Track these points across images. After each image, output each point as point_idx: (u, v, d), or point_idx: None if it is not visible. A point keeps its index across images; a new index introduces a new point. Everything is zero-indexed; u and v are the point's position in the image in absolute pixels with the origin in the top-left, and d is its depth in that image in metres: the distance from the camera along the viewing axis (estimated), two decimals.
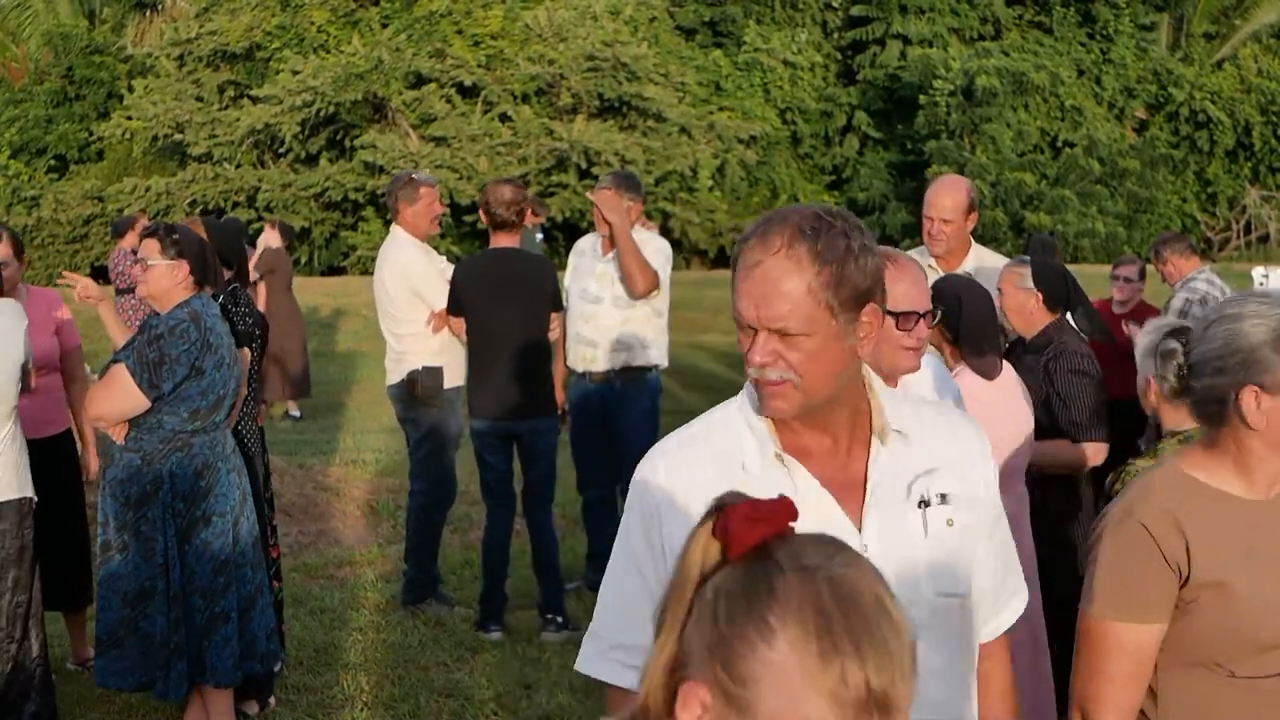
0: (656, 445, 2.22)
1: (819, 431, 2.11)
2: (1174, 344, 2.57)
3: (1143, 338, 3.98)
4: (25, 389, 5.16)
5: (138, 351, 4.93)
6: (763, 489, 2.00)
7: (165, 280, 5.04)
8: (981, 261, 5.89)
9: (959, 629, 2.17)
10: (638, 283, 6.98)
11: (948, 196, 5.82)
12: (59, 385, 6.02)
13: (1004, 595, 2.30)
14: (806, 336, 2.00)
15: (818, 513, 2.06)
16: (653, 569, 2.14)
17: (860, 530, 2.08)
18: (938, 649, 2.09)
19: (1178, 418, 3.91)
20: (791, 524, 1.36)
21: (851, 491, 2.11)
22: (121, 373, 4.93)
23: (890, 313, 3.12)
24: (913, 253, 6.28)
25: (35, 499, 5.14)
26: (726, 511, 1.36)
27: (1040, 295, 5.18)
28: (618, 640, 2.20)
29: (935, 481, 2.13)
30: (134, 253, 5.25)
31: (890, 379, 3.22)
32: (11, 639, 5.08)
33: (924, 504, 2.12)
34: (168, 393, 4.93)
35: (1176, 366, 2.58)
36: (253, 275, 12.41)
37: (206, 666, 5.07)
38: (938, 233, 5.79)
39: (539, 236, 12.62)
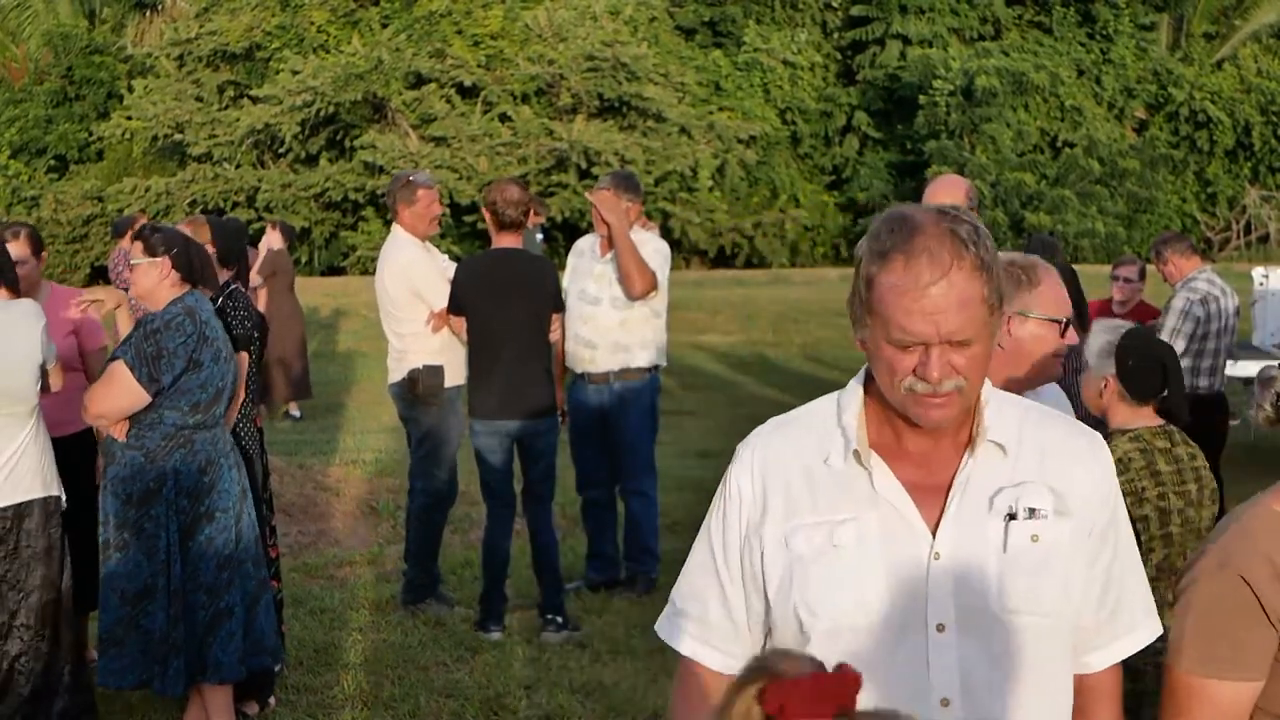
0: (760, 426, 2.23)
1: (925, 434, 2.08)
2: (1275, 372, 2.49)
3: (1095, 338, 4.03)
4: (45, 389, 5.18)
5: (135, 347, 4.95)
6: (841, 487, 2.10)
7: (148, 278, 5.08)
8: None
9: (1033, 650, 2.08)
10: (635, 284, 6.99)
11: (946, 195, 5.81)
12: (77, 384, 5.98)
13: (1116, 626, 2.20)
14: (977, 342, 2.01)
15: (895, 515, 2.06)
16: (721, 548, 2.17)
17: (934, 536, 2.06)
18: (996, 664, 2.05)
19: (1126, 416, 3.93)
20: (856, 698, 1.22)
21: (934, 496, 2.08)
22: (121, 369, 4.94)
23: (1052, 320, 3.10)
24: None
25: (63, 498, 5.14)
26: (785, 685, 1.20)
27: None
28: (682, 607, 2.25)
29: (1026, 495, 2.08)
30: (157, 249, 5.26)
31: (1027, 387, 3.11)
32: (41, 637, 5.09)
33: (1011, 517, 2.07)
34: (167, 386, 4.95)
35: (1275, 395, 2.46)
36: (255, 280, 12.42)
37: (209, 663, 5.08)
38: None
39: (539, 237, 12.61)
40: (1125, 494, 3.67)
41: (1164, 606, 3.66)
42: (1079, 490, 2.11)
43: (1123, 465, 3.79)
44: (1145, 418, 3.92)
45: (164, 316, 4.99)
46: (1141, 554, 3.80)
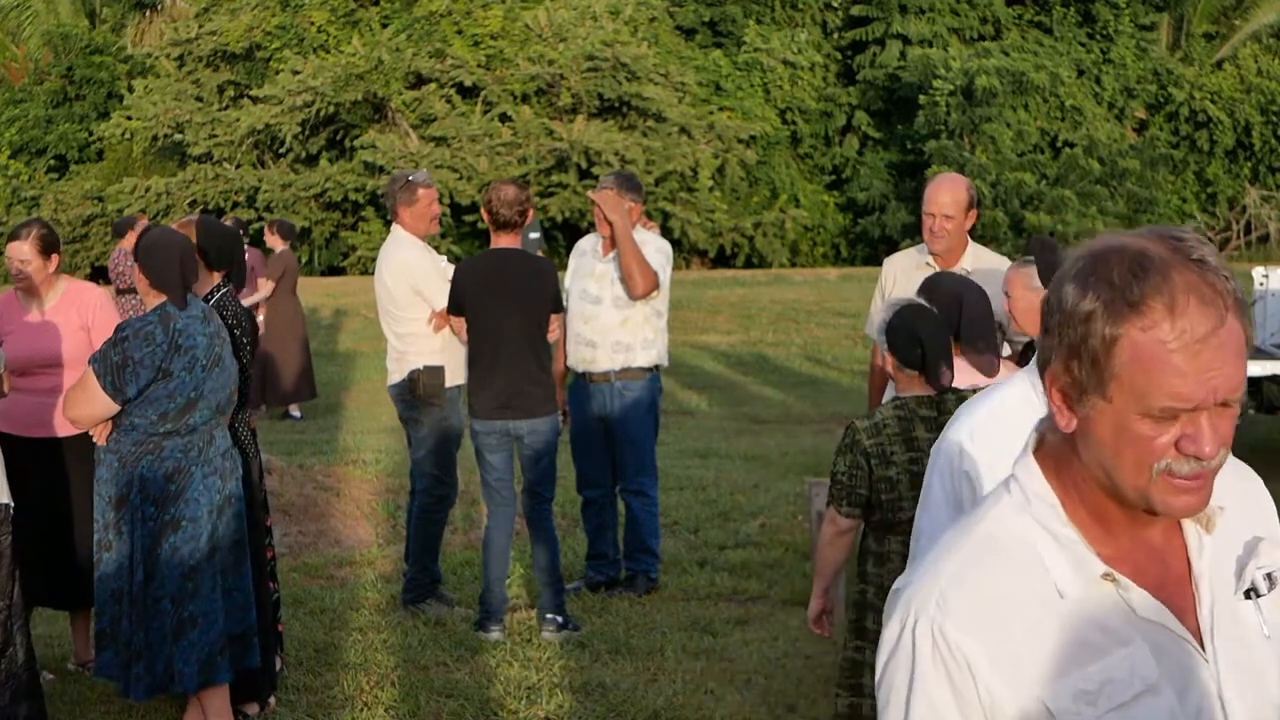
0: (924, 566, 1.74)
1: (1145, 525, 1.70)
2: None
3: (877, 315, 4.38)
4: (0, 394, 5.18)
5: (104, 354, 4.95)
6: (1093, 622, 1.65)
7: (136, 279, 5.15)
8: (979, 261, 5.88)
9: None
10: (638, 283, 6.99)
11: (948, 193, 5.81)
12: None
13: None
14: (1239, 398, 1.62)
15: (1164, 635, 1.68)
16: None
17: (1204, 649, 1.69)
18: None
19: (904, 384, 4.24)
20: None
21: (1181, 598, 1.70)
22: (90, 376, 4.95)
23: None
24: (910, 250, 6.27)
25: (11, 505, 5.06)
26: None
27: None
28: None
29: (1260, 558, 1.73)
30: (133, 254, 5.27)
31: None
32: None
33: (1252, 593, 1.72)
34: (133, 396, 4.93)
35: None
36: (267, 286, 12.43)
37: (175, 672, 5.04)
38: (939, 229, 5.78)
39: (534, 235, 12.55)
40: (873, 455, 4.10)
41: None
42: (1275, 528, 1.80)
43: (876, 429, 4.16)
44: (918, 386, 4.22)
45: (136, 324, 4.98)
46: (889, 511, 4.06)
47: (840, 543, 4.29)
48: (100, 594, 5.12)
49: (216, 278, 5.59)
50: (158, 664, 5.03)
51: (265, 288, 12.59)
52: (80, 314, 5.98)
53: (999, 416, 2.74)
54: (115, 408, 4.95)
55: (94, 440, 5.11)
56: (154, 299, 5.06)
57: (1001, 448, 2.21)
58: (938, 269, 5.67)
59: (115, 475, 5.01)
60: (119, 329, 5.02)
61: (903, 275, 5.96)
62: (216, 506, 5.12)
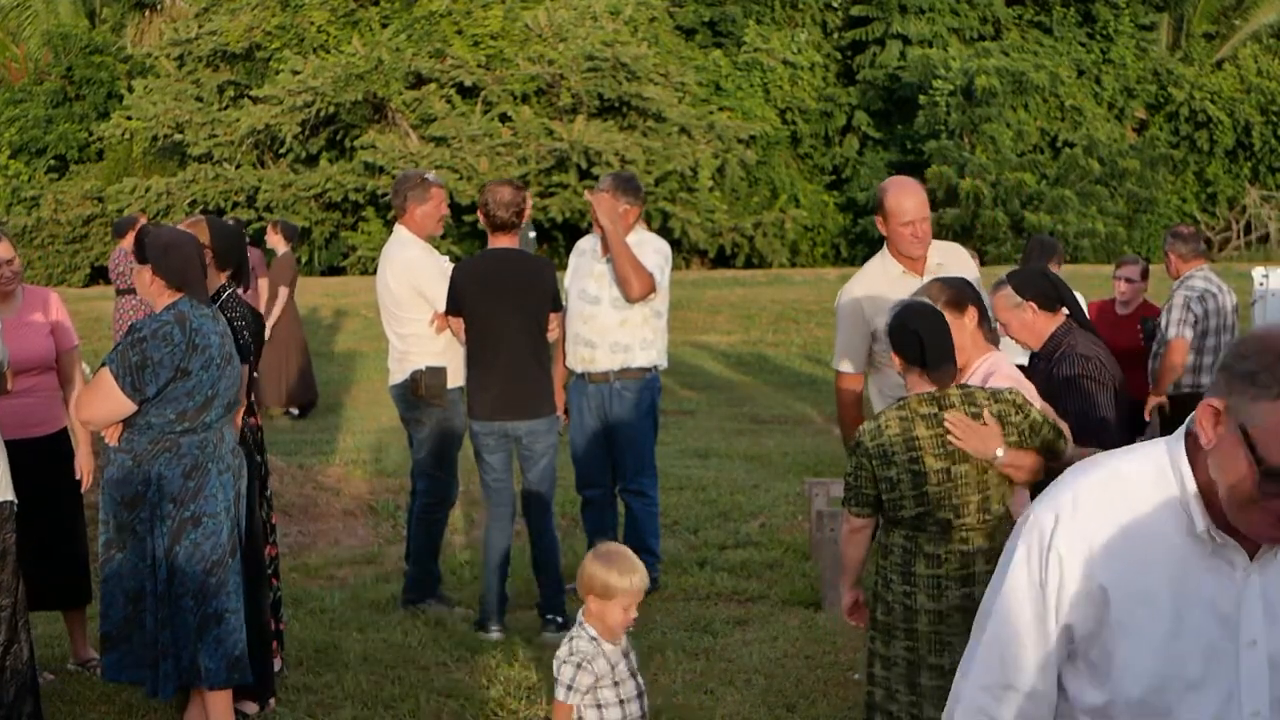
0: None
1: None
2: None
3: (879, 319, 4.46)
4: (2, 391, 5.17)
5: (121, 354, 4.94)
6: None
7: (140, 281, 5.15)
8: (943, 256, 5.88)
9: None
10: (633, 287, 6.99)
11: (914, 196, 5.79)
12: (54, 385, 5.99)
13: None
14: None
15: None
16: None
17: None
18: None
19: (914, 383, 4.33)
20: None
21: None
22: (107, 377, 4.94)
23: None
24: (872, 272, 6.00)
25: (15, 502, 5.07)
26: None
27: (1033, 304, 5.22)
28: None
29: None
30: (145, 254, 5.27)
31: None
32: None
33: None
34: (152, 396, 4.93)
35: None
36: (282, 295, 12.42)
37: (200, 668, 5.06)
38: (923, 233, 5.78)
39: (532, 234, 12.56)
40: (874, 456, 4.22)
41: (916, 554, 4.19)
42: None
43: (878, 430, 4.27)
44: (925, 384, 4.31)
45: (152, 324, 4.97)
46: (891, 509, 4.18)
47: (855, 540, 4.42)
48: (110, 595, 5.10)
49: (224, 277, 5.64)
50: (184, 661, 5.04)
51: (281, 295, 12.60)
52: (45, 314, 5.98)
53: (1111, 487, 2.29)
54: (132, 408, 4.95)
55: (105, 440, 5.10)
56: (166, 299, 5.05)
57: (1108, 526, 2.23)
58: (916, 276, 5.64)
59: (128, 474, 5.00)
60: (134, 329, 5.00)
61: (883, 301, 5.73)
62: (232, 502, 5.14)
